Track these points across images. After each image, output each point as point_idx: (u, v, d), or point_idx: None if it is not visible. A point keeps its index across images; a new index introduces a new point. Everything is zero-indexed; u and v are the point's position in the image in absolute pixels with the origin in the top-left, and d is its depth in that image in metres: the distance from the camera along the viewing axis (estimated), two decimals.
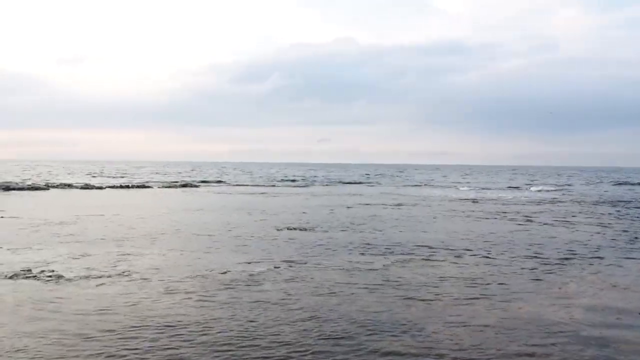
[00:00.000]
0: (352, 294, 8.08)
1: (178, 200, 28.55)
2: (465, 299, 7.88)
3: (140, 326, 6.35)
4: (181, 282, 8.64)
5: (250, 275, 9.19)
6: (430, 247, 12.41)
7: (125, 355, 5.44)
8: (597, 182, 58.66)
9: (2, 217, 17.77)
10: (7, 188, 33.85)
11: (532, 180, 62.41)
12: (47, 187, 36.81)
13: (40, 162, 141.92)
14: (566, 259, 11.24)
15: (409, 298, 7.85)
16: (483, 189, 44.26)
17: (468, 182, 56.20)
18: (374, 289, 8.35)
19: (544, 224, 17.91)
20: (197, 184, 45.65)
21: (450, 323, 6.67)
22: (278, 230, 15.28)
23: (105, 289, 8.11)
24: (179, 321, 6.56)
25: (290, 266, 10.03)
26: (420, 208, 23.95)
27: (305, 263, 10.37)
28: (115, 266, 9.79)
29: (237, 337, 6.04)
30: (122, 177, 58.08)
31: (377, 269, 9.88)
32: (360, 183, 52.95)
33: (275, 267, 9.88)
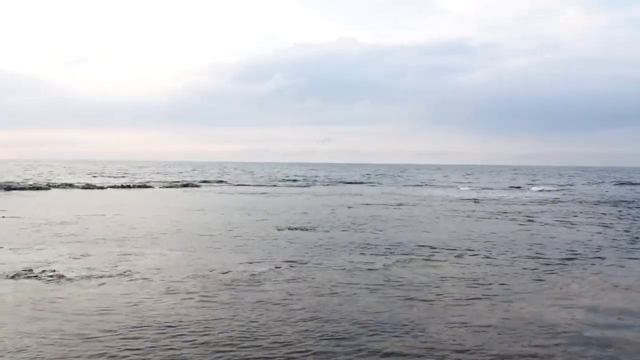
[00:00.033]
0: (354, 294, 8.07)
1: (179, 200, 28.56)
2: (466, 299, 7.86)
3: (141, 326, 6.35)
4: (182, 282, 8.64)
5: (252, 275, 9.19)
6: (432, 247, 12.40)
7: (127, 356, 5.44)
8: (599, 182, 58.58)
9: (3, 217, 17.79)
10: (9, 188, 33.89)
11: (533, 180, 62.35)
12: (48, 187, 36.85)
13: (41, 162, 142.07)
14: (568, 259, 11.22)
15: (410, 298, 7.84)
16: (484, 189, 44.23)
17: (469, 182, 56.15)
18: (375, 289, 8.34)
19: (546, 224, 17.89)
20: (198, 184, 45.66)
21: (452, 323, 6.66)
22: (279, 230, 15.28)
23: (107, 289, 8.11)
24: (180, 321, 6.56)
25: (292, 266, 10.03)
26: (421, 208, 23.93)
27: (307, 263, 10.36)
28: (117, 266, 9.79)
29: (239, 337, 6.04)
30: (123, 177, 58.13)
31: (378, 269, 9.87)
32: (361, 183, 52.93)
33: (276, 267, 9.88)
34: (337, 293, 8.10)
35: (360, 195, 33.83)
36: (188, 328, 6.31)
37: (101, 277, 8.90)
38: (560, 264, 10.69)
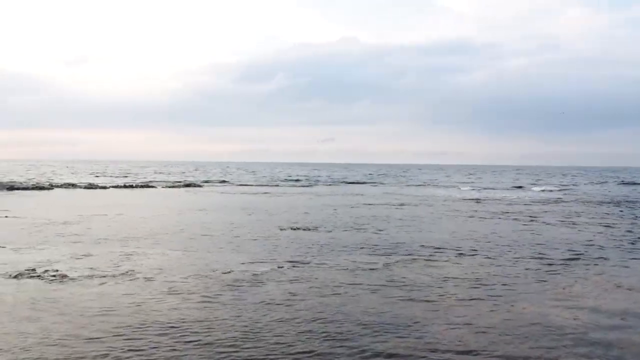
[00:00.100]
0: (356, 294, 8.06)
1: (181, 200, 28.59)
2: (469, 299, 7.85)
3: (144, 327, 6.35)
4: (185, 282, 8.64)
5: (254, 275, 9.19)
6: (434, 247, 12.38)
7: (130, 357, 5.44)
8: (602, 182, 58.46)
9: (6, 216, 17.82)
10: (11, 188, 33.97)
11: (536, 180, 62.26)
12: (51, 186, 36.93)
13: (43, 162, 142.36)
14: (570, 259, 11.20)
15: (412, 299, 7.83)
16: (486, 189, 44.17)
17: (472, 182, 56.10)
18: (378, 289, 8.33)
19: (548, 224, 17.85)
20: (201, 183, 45.69)
21: (454, 324, 6.65)
22: (281, 230, 15.28)
23: (109, 289, 8.12)
24: (182, 322, 6.55)
25: (294, 266, 10.02)
26: (423, 208, 23.91)
27: (309, 263, 10.36)
28: (119, 266, 9.80)
29: (242, 338, 6.03)
30: (126, 176, 58.20)
31: (380, 269, 9.86)
32: (363, 183, 52.92)
33: (278, 267, 9.87)
34: (339, 293, 8.09)
35: (363, 195, 33.82)
36: (191, 328, 6.31)
37: (103, 277, 8.90)
38: (563, 264, 10.67)
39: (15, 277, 8.79)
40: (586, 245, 13.19)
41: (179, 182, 46.40)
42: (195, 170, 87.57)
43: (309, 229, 15.49)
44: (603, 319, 6.94)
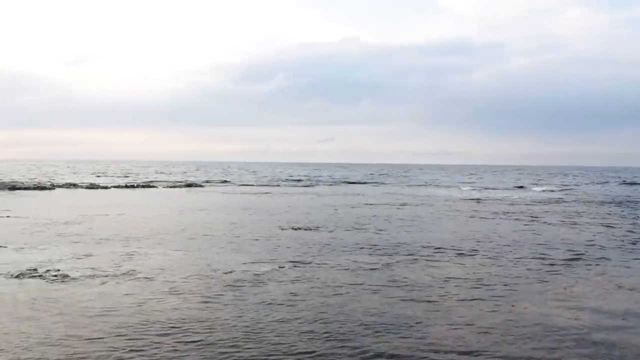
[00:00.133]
0: (358, 294, 8.06)
1: (182, 200, 28.60)
2: (470, 299, 7.84)
3: (145, 327, 6.35)
4: (186, 282, 8.65)
5: (255, 275, 9.19)
6: (435, 248, 12.38)
7: (132, 357, 5.44)
8: (603, 182, 58.40)
9: (8, 216, 17.85)
10: (13, 187, 34.00)
11: (537, 180, 62.21)
12: (52, 186, 36.96)
13: (44, 162, 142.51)
14: (572, 259, 11.19)
15: (414, 299, 7.82)
16: (487, 189, 44.15)
17: (473, 182, 56.07)
18: (379, 290, 8.33)
19: (549, 224, 17.84)
20: (202, 183, 45.71)
21: (456, 324, 6.65)
22: (283, 230, 15.28)
23: (110, 289, 8.12)
24: (184, 322, 6.56)
25: (295, 266, 10.02)
26: (424, 208, 23.90)
27: (310, 263, 10.36)
28: (120, 266, 9.80)
29: (243, 338, 6.03)
30: (127, 176, 58.24)
31: (381, 269, 9.86)
32: (364, 183, 52.91)
33: (280, 267, 9.88)
34: (341, 293, 8.09)
35: (363, 195, 33.82)
36: (192, 329, 6.31)
37: (105, 276, 8.91)
38: (565, 264, 10.66)
39: (17, 276, 8.80)
40: (587, 245, 13.18)
41: (180, 182, 46.42)
42: (197, 170, 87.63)
43: (310, 229, 15.49)
44: (604, 320, 6.94)
